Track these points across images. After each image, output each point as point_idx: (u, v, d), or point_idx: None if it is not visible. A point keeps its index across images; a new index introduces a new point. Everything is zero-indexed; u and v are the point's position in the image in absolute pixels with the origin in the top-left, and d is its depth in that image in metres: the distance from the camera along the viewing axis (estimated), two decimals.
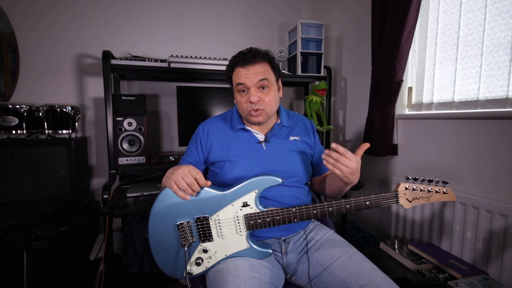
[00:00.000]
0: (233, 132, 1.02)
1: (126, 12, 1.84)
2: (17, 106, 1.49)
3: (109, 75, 1.51)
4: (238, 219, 0.86)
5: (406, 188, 0.87)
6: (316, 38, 1.91)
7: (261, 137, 1.02)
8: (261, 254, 0.87)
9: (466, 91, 1.27)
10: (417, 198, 0.87)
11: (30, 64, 1.71)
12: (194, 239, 0.85)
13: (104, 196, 1.34)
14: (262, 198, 0.92)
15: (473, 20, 1.23)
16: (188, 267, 0.86)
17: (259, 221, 0.86)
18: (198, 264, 0.85)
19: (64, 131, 1.59)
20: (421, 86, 1.49)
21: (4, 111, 1.46)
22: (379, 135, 1.57)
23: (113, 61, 1.53)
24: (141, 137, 1.59)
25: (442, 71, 1.38)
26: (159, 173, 1.57)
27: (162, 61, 1.62)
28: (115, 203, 1.27)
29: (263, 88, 0.95)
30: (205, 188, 0.85)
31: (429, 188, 0.87)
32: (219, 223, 0.86)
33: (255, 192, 0.85)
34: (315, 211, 0.86)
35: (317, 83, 1.96)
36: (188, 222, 0.84)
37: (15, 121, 1.48)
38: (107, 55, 1.51)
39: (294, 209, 0.86)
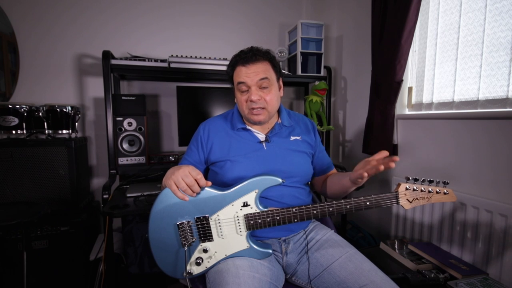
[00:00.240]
0: (234, 132, 1.02)
1: (126, 12, 1.84)
2: (17, 106, 1.49)
3: (109, 75, 1.51)
4: (238, 219, 0.86)
5: (406, 189, 0.87)
6: (316, 38, 1.91)
7: (261, 136, 1.02)
8: (261, 254, 0.87)
9: (466, 91, 1.27)
10: (417, 199, 0.87)
11: (30, 64, 1.71)
12: (194, 239, 0.85)
13: (104, 196, 1.34)
14: (262, 198, 0.92)
15: (473, 20, 1.23)
16: (188, 267, 0.86)
17: (259, 221, 0.85)
18: (198, 264, 0.85)
19: (64, 131, 1.59)
20: (421, 86, 1.49)
21: (4, 111, 1.46)
22: (379, 135, 1.56)
23: (113, 61, 1.53)
24: (141, 137, 1.59)
25: (442, 71, 1.38)
26: (159, 173, 1.58)
27: (162, 61, 1.62)
28: (115, 203, 1.27)
29: (264, 87, 0.95)
30: (206, 188, 0.85)
31: (430, 189, 0.86)
32: (219, 223, 0.86)
33: (255, 192, 0.85)
34: (315, 211, 0.86)
35: (317, 83, 1.96)
36: (188, 222, 0.84)
37: (15, 121, 1.48)
38: (107, 55, 1.51)
39: (294, 209, 0.86)
